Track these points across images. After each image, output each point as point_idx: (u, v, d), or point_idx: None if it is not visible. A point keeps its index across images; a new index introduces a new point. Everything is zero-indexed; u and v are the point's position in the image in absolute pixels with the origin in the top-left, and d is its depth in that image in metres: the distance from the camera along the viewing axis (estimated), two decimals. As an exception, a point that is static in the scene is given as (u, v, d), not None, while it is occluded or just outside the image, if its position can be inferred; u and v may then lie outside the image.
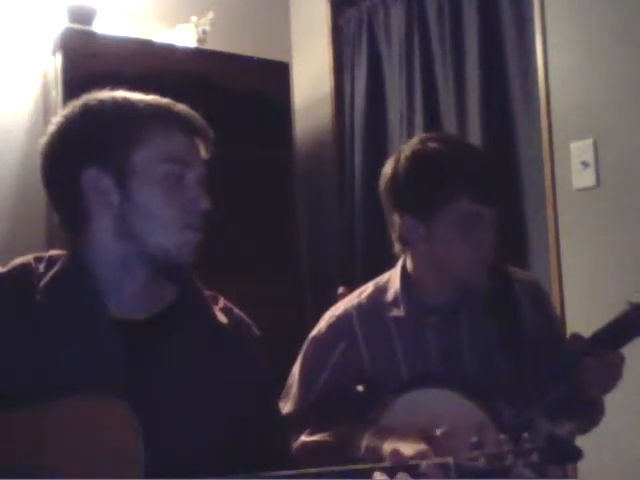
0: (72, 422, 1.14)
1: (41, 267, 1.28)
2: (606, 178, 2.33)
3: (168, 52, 2.99)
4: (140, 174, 1.24)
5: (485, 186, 1.55)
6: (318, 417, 1.61)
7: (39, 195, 3.16)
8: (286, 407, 1.63)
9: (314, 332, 1.69)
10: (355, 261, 3.21)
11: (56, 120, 1.30)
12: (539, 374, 1.51)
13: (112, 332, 1.23)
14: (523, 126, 2.60)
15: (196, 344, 1.28)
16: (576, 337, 1.51)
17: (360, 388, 1.65)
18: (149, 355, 1.24)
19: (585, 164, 2.36)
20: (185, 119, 1.29)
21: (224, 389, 1.28)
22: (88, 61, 2.72)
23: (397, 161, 1.61)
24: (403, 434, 1.42)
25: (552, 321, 1.70)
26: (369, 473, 1.20)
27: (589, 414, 1.59)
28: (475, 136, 2.68)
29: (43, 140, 1.30)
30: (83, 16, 2.89)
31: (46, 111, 2.92)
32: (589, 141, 2.36)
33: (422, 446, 1.33)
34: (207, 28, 3.11)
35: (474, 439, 1.12)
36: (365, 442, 1.46)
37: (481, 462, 1.10)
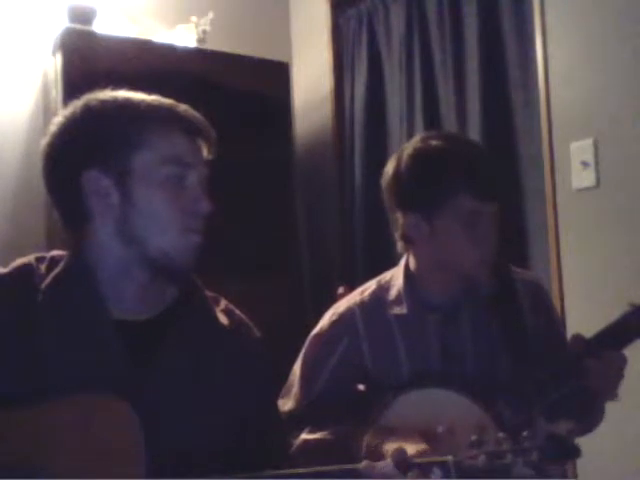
0: (73, 422, 1.14)
1: (43, 268, 1.28)
2: (606, 178, 2.33)
3: (168, 52, 2.99)
4: (141, 176, 1.24)
5: (487, 182, 1.56)
6: (319, 415, 1.61)
7: (39, 195, 3.17)
8: (287, 405, 1.63)
9: (316, 330, 1.69)
10: (355, 261, 3.21)
11: (57, 121, 1.29)
12: (540, 374, 1.51)
13: (113, 333, 1.23)
14: (523, 126, 2.60)
15: (197, 345, 1.28)
16: (578, 338, 1.51)
17: (361, 387, 1.65)
18: (150, 356, 1.23)
19: (585, 164, 2.36)
20: (187, 120, 1.28)
21: (224, 390, 1.28)
22: (88, 61, 2.72)
23: (399, 159, 1.62)
24: (404, 433, 1.42)
25: (553, 321, 1.70)
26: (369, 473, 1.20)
27: (589, 415, 1.60)
28: (475, 136, 2.67)
29: (44, 141, 1.30)
30: (83, 16, 2.89)
31: (46, 111, 2.92)
32: (589, 141, 2.36)
33: (423, 445, 1.34)
34: (207, 28, 3.11)
35: (474, 437, 1.12)
36: (366, 441, 1.47)
37: (481, 460, 1.10)
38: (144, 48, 2.94)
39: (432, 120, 2.89)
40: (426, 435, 1.40)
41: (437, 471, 1.12)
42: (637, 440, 2.17)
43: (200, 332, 1.30)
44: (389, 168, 1.64)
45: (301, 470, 1.16)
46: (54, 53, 2.86)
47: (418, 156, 1.59)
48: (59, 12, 2.92)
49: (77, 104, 1.29)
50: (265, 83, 3.14)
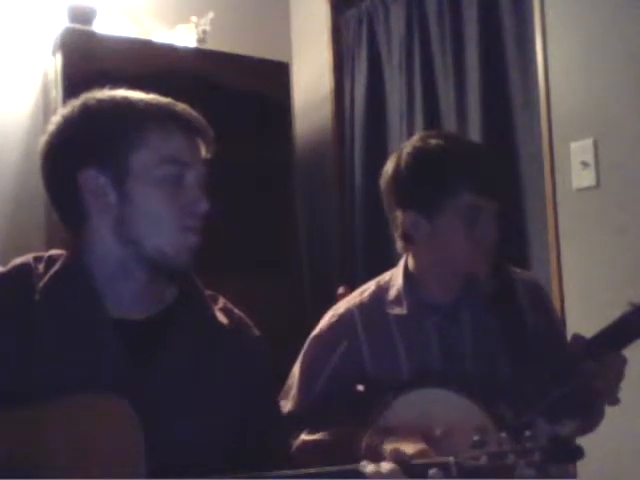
0: (72, 421, 1.14)
1: (40, 267, 1.28)
2: (606, 178, 2.33)
3: (168, 52, 2.99)
4: (139, 175, 1.24)
5: (486, 179, 1.57)
6: (318, 416, 1.61)
7: (39, 195, 3.16)
8: (286, 406, 1.63)
9: (315, 331, 1.69)
10: (355, 261, 3.21)
11: (55, 120, 1.29)
12: (540, 374, 1.51)
13: (111, 332, 1.23)
14: (523, 126, 2.60)
15: (195, 344, 1.28)
16: (578, 338, 1.51)
17: (360, 388, 1.65)
18: (149, 355, 1.23)
19: (585, 164, 2.36)
20: (185, 119, 1.28)
21: (223, 389, 1.28)
22: (88, 61, 2.72)
23: (398, 158, 1.62)
24: (403, 434, 1.42)
25: (552, 321, 1.70)
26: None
27: (590, 415, 1.59)
28: (475, 136, 2.67)
29: (43, 140, 1.29)
30: (83, 16, 2.89)
31: (46, 111, 2.92)
32: (589, 141, 2.36)
33: (422, 445, 1.34)
34: (207, 28, 3.11)
35: (475, 437, 1.12)
36: (365, 442, 1.46)
37: (482, 461, 1.10)
38: (144, 48, 2.94)
39: (432, 120, 2.89)
40: (426, 436, 1.40)
41: (438, 472, 1.12)
42: (637, 440, 2.17)
43: (199, 331, 1.30)
44: (388, 167, 1.64)
45: (310, 470, 1.16)
46: (54, 53, 2.86)
47: (418, 154, 1.59)
48: (59, 12, 2.92)
49: (75, 103, 1.29)
50: (265, 83, 3.14)
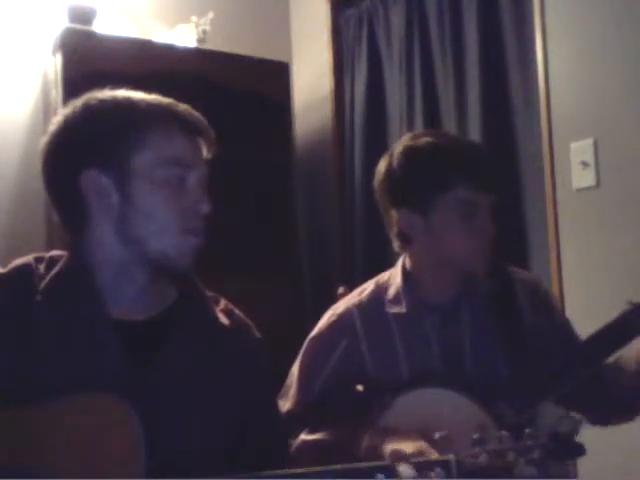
0: (72, 421, 1.14)
1: (41, 267, 1.28)
2: (606, 178, 2.33)
3: (168, 52, 2.99)
4: (141, 176, 1.24)
5: (480, 174, 1.57)
6: (318, 416, 1.61)
7: (39, 195, 3.16)
8: (285, 406, 1.63)
9: (315, 331, 1.69)
10: (355, 261, 3.21)
11: (57, 120, 1.29)
12: (540, 373, 1.51)
13: (112, 332, 1.23)
14: (523, 126, 2.60)
15: (196, 344, 1.28)
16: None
17: (360, 388, 1.65)
18: (150, 355, 1.23)
19: (585, 164, 2.36)
20: (187, 120, 1.28)
21: (223, 389, 1.28)
22: (88, 61, 2.72)
23: (390, 157, 1.62)
24: (403, 434, 1.42)
25: (555, 318, 1.69)
26: (369, 473, 1.20)
27: (605, 406, 1.60)
28: (475, 136, 2.67)
29: (44, 140, 1.29)
30: (83, 16, 2.89)
31: (46, 111, 2.92)
32: (589, 141, 2.36)
33: (422, 444, 1.34)
34: (207, 28, 3.11)
35: (475, 435, 1.12)
36: (365, 442, 1.46)
37: (482, 459, 1.10)
38: (144, 48, 2.94)
39: (432, 120, 2.89)
40: (426, 435, 1.39)
41: (439, 470, 1.12)
42: (638, 440, 2.17)
43: (200, 332, 1.30)
44: (381, 167, 1.64)
45: (300, 470, 1.16)
46: (54, 53, 2.86)
47: (409, 152, 1.59)
48: (59, 12, 2.93)
49: (76, 103, 1.29)
50: (265, 83, 3.14)
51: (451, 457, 1.12)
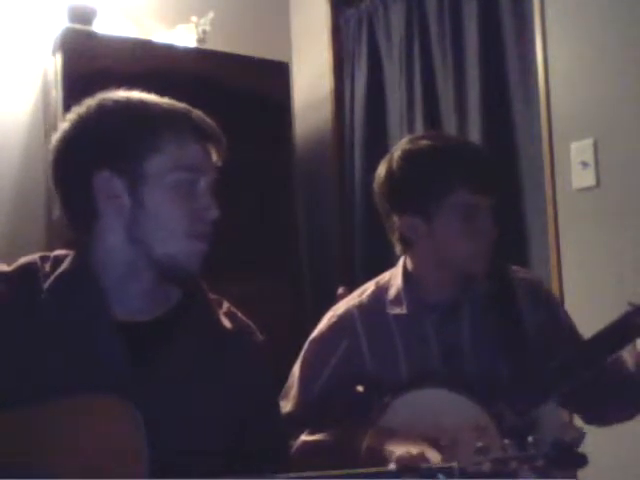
0: (74, 422, 1.14)
1: (47, 266, 1.28)
2: (606, 178, 2.33)
3: (168, 52, 2.99)
4: (153, 181, 1.24)
5: (481, 176, 1.57)
6: (318, 417, 1.61)
7: (39, 195, 3.17)
8: (286, 407, 1.63)
9: (315, 332, 1.69)
10: (355, 261, 3.21)
11: (70, 118, 1.29)
12: (542, 374, 1.51)
13: (115, 333, 1.23)
14: (523, 126, 2.60)
15: (199, 346, 1.28)
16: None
17: (360, 388, 1.65)
18: (152, 356, 1.23)
19: (585, 164, 2.36)
20: (200, 126, 1.29)
21: (225, 391, 1.28)
22: (88, 61, 2.72)
23: (390, 162, 1.62)
24: (404, 435, 1.42)
25: (557, 316, 1.68)
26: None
27: (604, 406, 1.60)
28: (475, 136, 2.67)
29: (56, 137, 1.29)
30: (83, 16, 2.89)
31: (46, 111, 2.92)
32: (589, 141, 2.36)
33: (424, 446, 1.34)
34: (207, 28, 3.11)
35: (479, 444, 1.12)
36: (366, 443, 1.46)
37: (486, 467, 1.10)
38: (144, 48, 2.94)
39: (432, 120, 2.89)
40: (426, 436, 1.40)
41: (442, 477, 1.12)
42: (638, 442, 2.17)
43: (203, 333, 1.30)
44: (380, 171, 1.64)
45: (304, 474, 1.16)
46: (54, 53, 2.86)
47: (409, 156, 1.59)
48: (59, 12, 2.92)
49: (90, 103, 1.29)
50: (265, 83, 3.14)
51: (455, 464, 1.12)
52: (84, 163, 1.25)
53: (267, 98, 3.13)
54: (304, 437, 1.57)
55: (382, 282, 1.68)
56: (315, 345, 1.67)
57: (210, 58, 3.06)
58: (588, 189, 2.37)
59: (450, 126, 2.80)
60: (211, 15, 3.12)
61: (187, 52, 3.04)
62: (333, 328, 1.65)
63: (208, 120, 1.31)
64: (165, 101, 1.30)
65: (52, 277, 1.26)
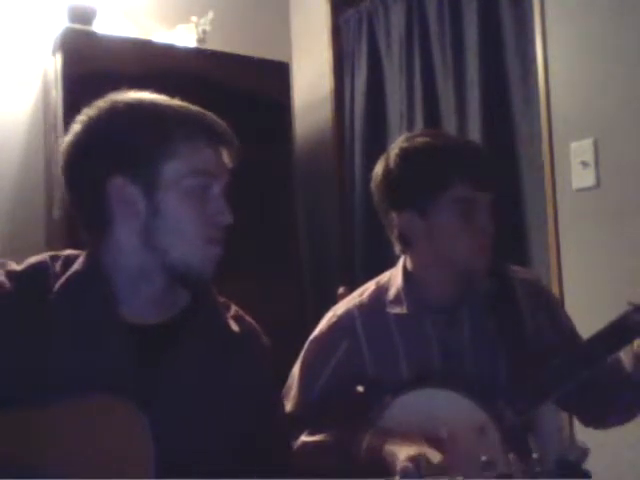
0: (80, 423, 1.14)
1: (57, 266, 1.27)
2: (606, 178, 2.33)
3: (168, 52, 2.99)
4: (168, 186, 1.23)
5: (478, 172, 1.57)
6: (318, 417, 1.61)
7: (39, 195, 3.16)
8: (286, 407, 1.63)
9: (315, 332, 1.69)
10: (355, 261, 3.21)
11: (81, 120, 1.27)
12: (541, 374, 1.51)
13: (122, 335, 1.23)
14: (523, 126, 2.60)
15: (206, 349, 1.28)
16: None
17: (360, 389, 1.65)
18: (159, 358, 1.23)
19: (585, 164, 2.36)
20: (214, 130, 1.28)
21: (232, 395, 1.28)
22: (88, 61, 2.72)
23: (387, 160, 1.62)
24: (404, 435, 1.42)
25: (557, 315, 1.68)
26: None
27: (604, 406, 1.60)
28: (475, 136, 2.67)
29: (67, 139, 1.28)
30: (83, 16, 2.89)
31: (46, 111, 2.92)
32: (589, 141, 2.36)
33: (424, 446, 1.34)
34: (207, 28, 3.11)
35: (484, 458, 1.12)
36: (365, 443, 1.46)
37: None
38: (144, 48, 2.94)
39: (432, 120, 2.89)
40: (426, 436, 1.40)
41: None
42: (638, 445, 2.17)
43: (210, 337, 1.30)
44: (378, 170, 1.64)
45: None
46: (54, 53, 2.86)
47: (405, 154, 1.59)
48: (59, 12, 2.92)
49: (102, 105, 1.27)
50: (265, 83, 3.14)
51: (459, 479, 1.12)
52: (97, 169, 1.24)
53: (267, 98, 3.13)
54: (304, 437, 1.57)
55: (382, 282, 1.68)
56: (315, 345, 1.67)
57: (210, 58, 3.06)
58: (588, 189, 2.36)
59: (450, 126, 2.80)
60: (211, 15, 3.12)
61: (187, 52, 3.04)
62: (333, 328, 1.65)
63: (221, 122, 1.30)
64: (178, 103, 1.29)
65: (63, 278, 1.25)
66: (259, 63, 3.15)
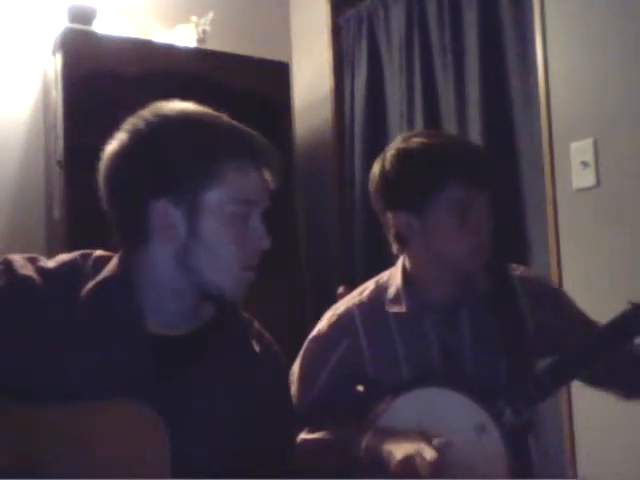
0: (97, 427, 1.14)
1: (88, 268, 1.26)
2: (606, 178, 2.33)
3: (168, 52, 2.99)
4: (211, 212, 1.22)
5: (473, 170, 1.56)
6: (318, 416, 1.61)
7: (39, 195, 3.16)
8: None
9: (315, 331, 1.69)
10: (355, 261, 3.21)
11: (127, 129, 1.24)
12: (542, 371, 1.51)
13: (145, 345, 1.22)
14: (523, 126, 2.60)
15: (228, 365, 1.27)
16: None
17: (360, 388, 1.65)
18: (181, 370, 1.23)
19: (585, 164, 2.36)
20: (262, 154, 1.26)
21: (249, 413, 1.27)
22: (88, 61, 2.72)
23: (383, 161, 1.63)
24: (403, 434, 1.42)
25: (564, 306, 1.68)
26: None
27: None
28: (475, 136, 2.68)
29: (111, 148, 1.25)
30: (83, 16, 2.89)
31: (46, 111, 2.92)
32: (589, 141, 2.36)
33: (421, 444, 1.34)
34: (207, 28, 3.11)
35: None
36: (365, 442, 1.47)
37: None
38: (144, 48, 2.94)
39: (432, 120, 2.89)
40: (426, 435, 1.40)
41: None
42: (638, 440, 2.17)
43: (233, 354, 1.29)
44: (374, 171, 1.65)
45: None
46: (54, 53, 2.86)
47: (401, 154, 1.60)
48: (59, 12, 2.93)
49: (151, 119, 1.24)
50: (265, 83, 3.14)
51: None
52: (142, 188, 1.22)
53: (267, 98, 3.13)
54: (304, 435, 1.58)
55: (382, 281, 1.68)
56: (315, 344, 1.68)
57: (210, 58, 3.06)
58: (588, 189, 2.36)
59: (450, 126, 2.81)
60: (211, 15, 3.12)
61: (187, 52, 3.04)
62: (333, 327, 1.66)
63: (267, 143, 1.27)
64: (227, 122, 1.27)
65: (93, 282, 1.24)
66: (259, 63, 3.15)
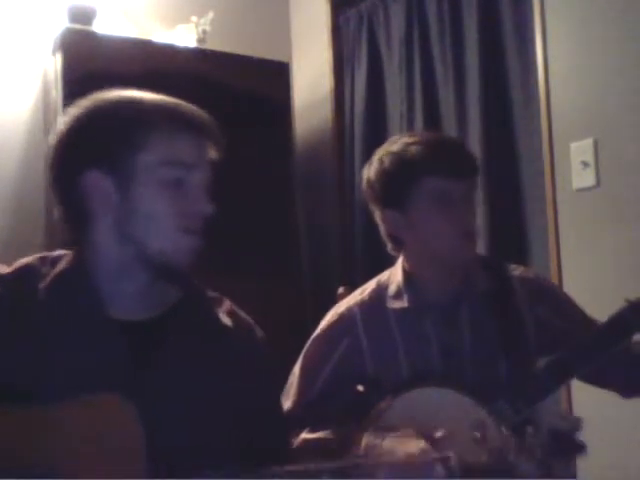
0: (73, 421, 1.14)
1: (45, 267, 1.28)
2: (606, 178, 2.33)
3: (168, 52, 2.99)
4: (142, 177, 1.23)
5: (450, 161, 1.59)
6: (318, 415, 1.61)
7: (39, 194, 3.16)
8: (286, 405, 1.63)
9: (317, 331, 1.70)
10: (355, 261, 3.21)
11: (64, 119, 1.29)
12: (541, 370, 1.51)
13: (112, 333, 1.23)
14: (523, 126, 2.60)
15: (197, 345, 1.28)
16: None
17: (360, 387, 1.65)
18: (149, 355, 1.24)
19: (585, 164, 2.36)
20: (192, 120, 1.27)
21: (226, 390, 1.28)
22: (88, 61, 2.72)
23: (370, 165, 1.69)
24: (403, 433, 1.42)
25: (564, 308, 1.68)
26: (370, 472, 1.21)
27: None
28: (475, 136, 2.68)
29: (51, 139, 1.29)
30: (83, 16, 2.89)
31: (46, 111, 2.92)
32: (589, 141, 2.36)
33: (423, 444, 1.34)
34: (207, 28, 3.11)
35: (476, 434, 1.12)
36: (365, 441, 1.47)
37: (484, 457, 1.10)
38: (144, 48, 2.94)
39: (432, 120, 2.89)
40: (426, 434, 1.40)
41: (439, 469, 1.12)
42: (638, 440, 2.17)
43: (201, 332, 1.30)
44: (364, 175, 1.70)
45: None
46: (54, 53, 2.86)
47: (383, 155, 1.65)
48: (59, 12, 2.93)
49: (84, 103, 1.28)
50: (265, 83, 3.14)
51: (451, 454, 1.12)
52: (74, 164, 1.25)
53: (267, 98, 3.13)
54: (305, 435, 1.58)
55: (383, 280, 1.69)
56: (316, 344, 1.68)
57: (210, 58, 3.06)
58: (588, 189, 2.37)
59: (450, 126, 2.81)
60: (211, 15, 3.12)
61: (187, 52, 3.04)
62: (334, 326, 1.66)
63: (201, 113, 1.29)
64: (155, 97, 1.29)
65: (48, 278, 1.26)
66: (259, 63, 3.15)
